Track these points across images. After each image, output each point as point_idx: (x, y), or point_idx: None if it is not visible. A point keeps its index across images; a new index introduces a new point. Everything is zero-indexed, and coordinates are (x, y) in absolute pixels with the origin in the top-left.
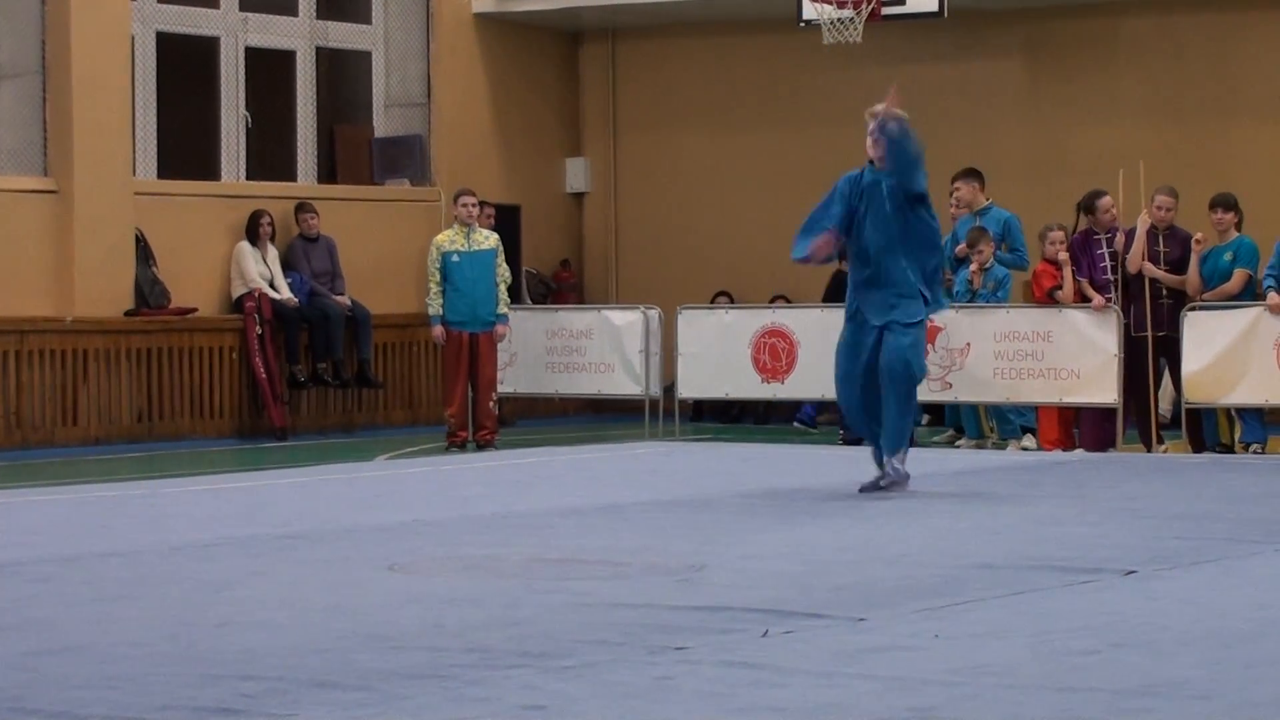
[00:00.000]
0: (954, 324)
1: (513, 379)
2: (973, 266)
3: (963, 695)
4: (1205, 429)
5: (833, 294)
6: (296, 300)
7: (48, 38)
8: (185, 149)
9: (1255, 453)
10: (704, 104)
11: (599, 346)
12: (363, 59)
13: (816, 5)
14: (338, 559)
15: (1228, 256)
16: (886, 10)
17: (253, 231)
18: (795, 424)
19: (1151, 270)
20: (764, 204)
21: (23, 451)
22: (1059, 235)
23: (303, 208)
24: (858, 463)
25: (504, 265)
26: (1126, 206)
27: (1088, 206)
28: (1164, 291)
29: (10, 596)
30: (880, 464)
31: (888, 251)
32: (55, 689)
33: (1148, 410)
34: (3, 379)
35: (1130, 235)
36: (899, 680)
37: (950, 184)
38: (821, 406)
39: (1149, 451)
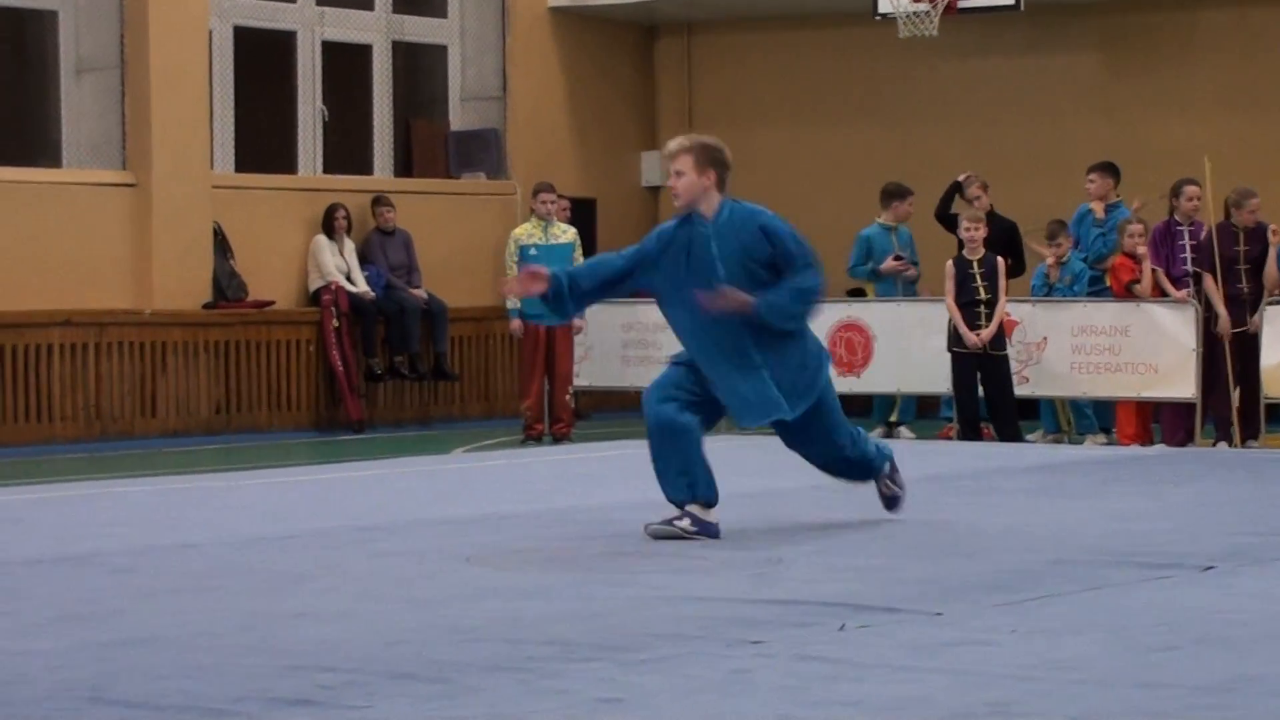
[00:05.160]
0: (1031, 318)
1: (589, 372)
2: (1049, 260)
3: (1039, 690)
4: None
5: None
6: (373, 293)
7: (126, 32)
8: (262, 142)
9: None
10: (779, 97)
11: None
12: (439, 53)
13: None
14: (414, 551)
15: None
16: (962, 3)
17: (329, 225)
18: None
19: (1210, 286)
20: (839, 198)
21: (102, 443)
22: (1138, 228)
23: (379, 201)
24: (930, 456)
25: (581, 259)
26: (1215, 198)
27: (1175, 192)
28: (1244, 289)
29: (89, 587)
30: None
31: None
32: (134, 679)
33: (1228, 405)
34: (83, 371)
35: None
36: (975, 675)
37: (1085, 175)
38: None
39: (1230, 446)
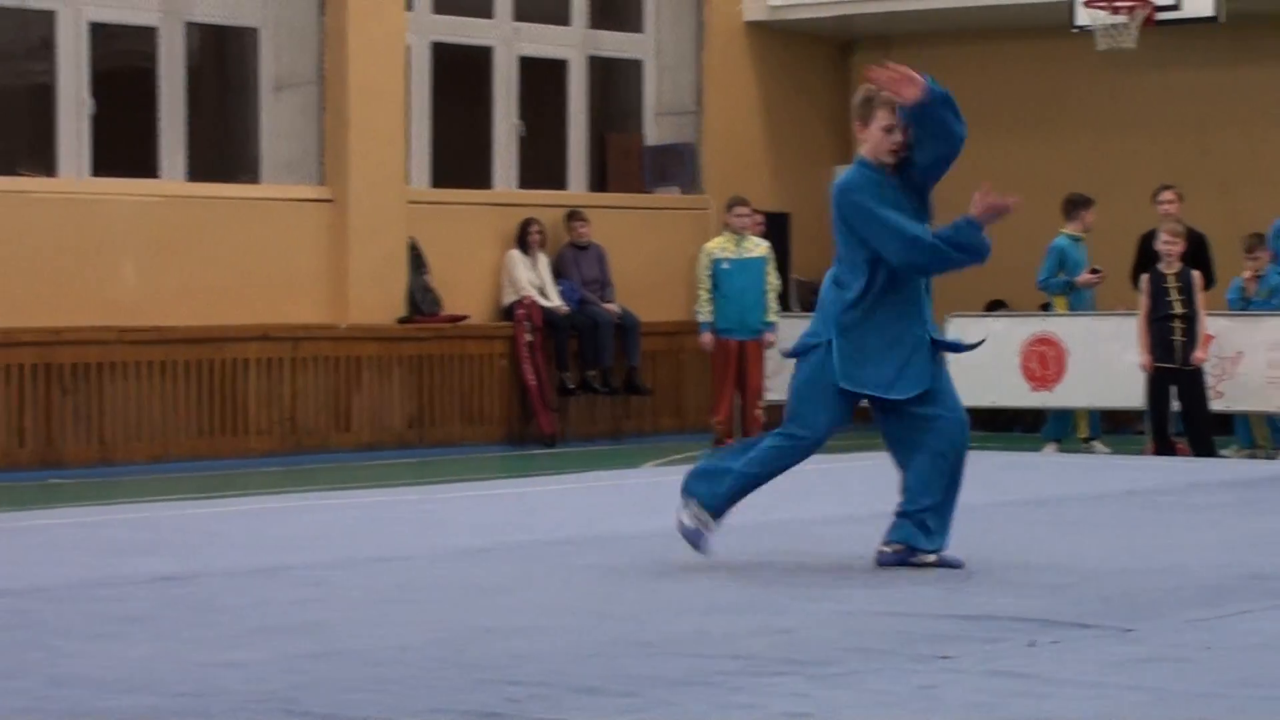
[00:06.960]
0: (1226, 332)
1: (779, 386)
2: (1246, 274)
3: (1234, 708)
4: None
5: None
6: (566, 308)
7: (325, 49)
8: (458, 157)
9: None
10: (977, 111)
11: None
12: (634, 67)
13: (1090, 10)
14: (605, 565)
15: None
16: (1161, 15)
17: (523, 239)
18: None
19: None
20: (1036, 211)
21: (297, 456)
22: None
23: (573, 215)
24: (1124, 471)
25: (774, 273)
26: None
27: None
28: None
29: (284, 599)
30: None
31: None
32: (326, 691)
33: None
34: (278, 385)
35: None
36: (1168, 692)
37: None
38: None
39: None
